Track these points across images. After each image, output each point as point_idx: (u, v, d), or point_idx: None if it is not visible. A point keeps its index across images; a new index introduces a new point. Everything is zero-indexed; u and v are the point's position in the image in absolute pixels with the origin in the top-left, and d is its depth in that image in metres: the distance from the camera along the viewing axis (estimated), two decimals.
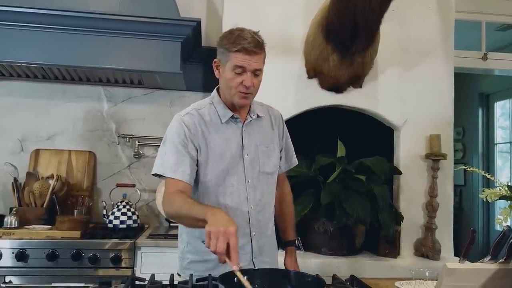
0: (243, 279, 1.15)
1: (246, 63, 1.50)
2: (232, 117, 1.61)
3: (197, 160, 1.56)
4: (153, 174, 1.59)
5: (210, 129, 1.59)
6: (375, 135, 2.81)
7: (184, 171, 1.51)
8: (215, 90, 1.67)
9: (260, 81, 1.58)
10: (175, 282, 1.40)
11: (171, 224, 2.91)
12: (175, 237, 2.57)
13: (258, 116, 1.67)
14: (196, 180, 1.58)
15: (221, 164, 1.57)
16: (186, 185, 1.51)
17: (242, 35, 1.50)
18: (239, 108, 1.61)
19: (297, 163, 1.88)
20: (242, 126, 1.63)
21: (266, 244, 1.68)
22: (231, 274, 1.19)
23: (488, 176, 1.42)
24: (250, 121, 1.65)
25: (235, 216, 1.48)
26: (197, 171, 1.57)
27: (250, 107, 1.66)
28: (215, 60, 1.60)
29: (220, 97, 1.64)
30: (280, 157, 1.77)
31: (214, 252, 1.21)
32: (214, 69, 1.61)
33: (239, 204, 1.59)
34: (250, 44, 1.49)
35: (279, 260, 1.79)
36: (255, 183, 1.62)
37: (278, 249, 1.80)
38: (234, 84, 1.53)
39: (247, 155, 1.62)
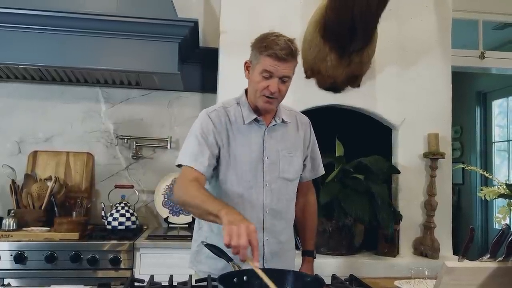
0: (266, 278, 1.11)
1: (274, 68, 1.50)
2: (255, 120, 1.61)
3: (218, 157, 1.57)
4: (177, 165, 1.58)
5: (234, 128, 1.60)
6: (373, 134, 2.80)
7: (202, 162, 1.51)
8: (243, 91, 1.68)
9: (287, 88, 1.58)
10: (174, 283, 1.39)
11: (169, 225, 2.91)
12: (174, 238, 2.59)
13: (283, 121, 1.67)
14: (215, 178, 1.59)
15: (241, 165, 1.57)
16: (201, 175, 1.50)
17: (277, 40, 1.49)
18: (264, 112, 1.61)
19: (324, 172, 1.87)
20: (265, 130, 1.63)
21: (280, 251, 1.65)
22: (231, 274, 1.18)
23: (487, 175, 1.42)
24: (274, 125, 1.65)
25: (249, 218, 1.46)
26: (216, 169, 1.57)
27: (276, 111, 1.65)
28: (246, 61, 1.60)
29: (246, 98, 1.64)
30: (305, 165, 1.76)
31: (235, 249, 1.17)
32: (244, 69, 1.61)
33: (254, 206, 1.58)
34: (282, 50, 1.48)
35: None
36: (272, 187, 1.61)
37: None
38: (260, 88, 1.54)
39: (267, 158, 1.61)
